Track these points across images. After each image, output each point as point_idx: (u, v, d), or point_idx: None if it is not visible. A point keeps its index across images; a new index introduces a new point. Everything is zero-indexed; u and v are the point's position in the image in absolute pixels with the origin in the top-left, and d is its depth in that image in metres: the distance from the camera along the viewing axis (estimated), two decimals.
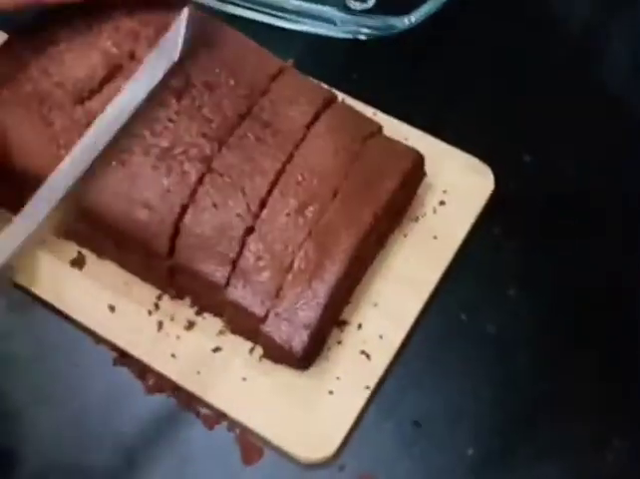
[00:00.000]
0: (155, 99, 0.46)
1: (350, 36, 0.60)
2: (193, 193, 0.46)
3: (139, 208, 0.46)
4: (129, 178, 0.46)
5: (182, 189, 0.46)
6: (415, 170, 0.50)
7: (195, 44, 0.48)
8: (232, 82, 0.48)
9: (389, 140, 0.50)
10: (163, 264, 0.47)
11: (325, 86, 0.52)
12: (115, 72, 0.48)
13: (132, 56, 0.49)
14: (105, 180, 0.46)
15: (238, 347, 0.48)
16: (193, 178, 0.46)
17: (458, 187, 0.54)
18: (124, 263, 0.50)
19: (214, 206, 0.45)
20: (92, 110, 0.47)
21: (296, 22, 0.59)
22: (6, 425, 0.48)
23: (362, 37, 0.60)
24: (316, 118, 0.48)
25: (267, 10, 0.59)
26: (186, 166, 0.46)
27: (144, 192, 0.46)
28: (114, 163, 0.46)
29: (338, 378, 0.48)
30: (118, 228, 0.47)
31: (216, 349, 0.48)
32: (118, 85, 0.47)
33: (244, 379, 0.47)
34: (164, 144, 0.46)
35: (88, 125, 0.46)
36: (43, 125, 0.47)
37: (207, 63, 0.48)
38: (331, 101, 0.50)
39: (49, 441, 0.48)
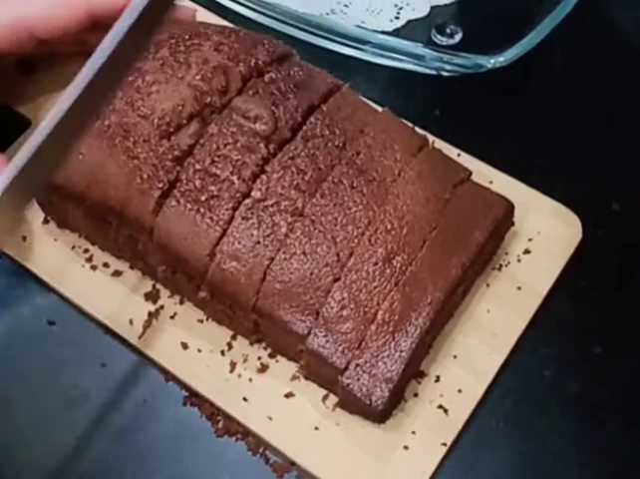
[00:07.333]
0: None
1: (434, 72, 0.58)
2: (283, 245, 0.44)
3: (226, 259, 0.44)
4: (216, 224, 0.44)
5: (272, 242, 0.44)
6: (505, 219, 0.48)
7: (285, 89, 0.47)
8: (327, 132, 0.46)
9: (478, 187, 0.48)
10: (248, 316, 0.45)
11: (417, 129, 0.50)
12: (204, 108, 0.46)
13: (223, 92, 0.47)
14: (184, 221, 0.45)
15: (312, 394, 0.47)
16: (284, 230, 0.44)
17: (544, 235, 0.51)
18: (202, 306, 0.48)
19: (304, 254, 0.44)
20: (178, 144, 0.46)
21: (381, 56, 0.58)
22: (70, 459, 0.47)
23: (445, 74, 0.58)
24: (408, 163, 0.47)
25: (352, 43, 0.57)
26: (277, 218, 0.44)
27: (233, 243, 0.44)
28: (193, 204, 0.45)
29: (414, 433, 0.46)
30: (200, 275, 0.45)
31: (289, 395, 0.47)
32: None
33: (316, 428, 0.46)
34: (257, 195, 0.45)
35: (173, 160, 0.46)
36: (126, 157, 0.46)
37: (299, 111, 0.47)
38: (423, 145, 0.48)
39: (112, 477, 0.46)
